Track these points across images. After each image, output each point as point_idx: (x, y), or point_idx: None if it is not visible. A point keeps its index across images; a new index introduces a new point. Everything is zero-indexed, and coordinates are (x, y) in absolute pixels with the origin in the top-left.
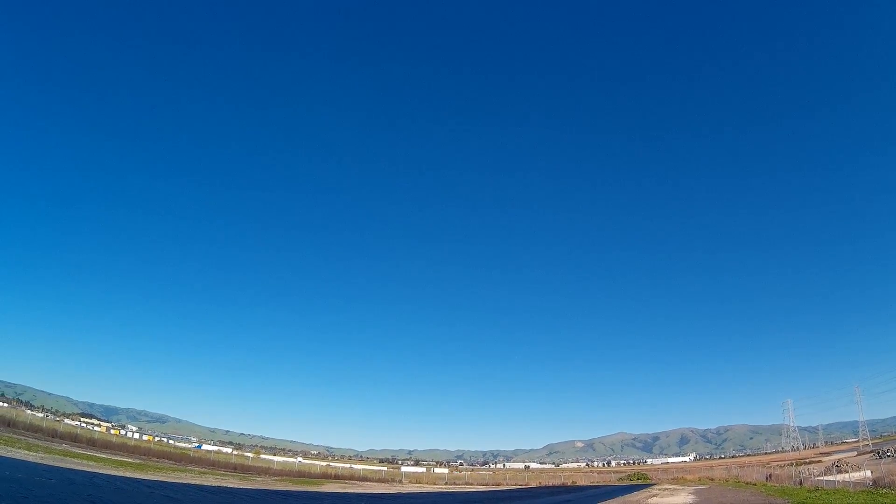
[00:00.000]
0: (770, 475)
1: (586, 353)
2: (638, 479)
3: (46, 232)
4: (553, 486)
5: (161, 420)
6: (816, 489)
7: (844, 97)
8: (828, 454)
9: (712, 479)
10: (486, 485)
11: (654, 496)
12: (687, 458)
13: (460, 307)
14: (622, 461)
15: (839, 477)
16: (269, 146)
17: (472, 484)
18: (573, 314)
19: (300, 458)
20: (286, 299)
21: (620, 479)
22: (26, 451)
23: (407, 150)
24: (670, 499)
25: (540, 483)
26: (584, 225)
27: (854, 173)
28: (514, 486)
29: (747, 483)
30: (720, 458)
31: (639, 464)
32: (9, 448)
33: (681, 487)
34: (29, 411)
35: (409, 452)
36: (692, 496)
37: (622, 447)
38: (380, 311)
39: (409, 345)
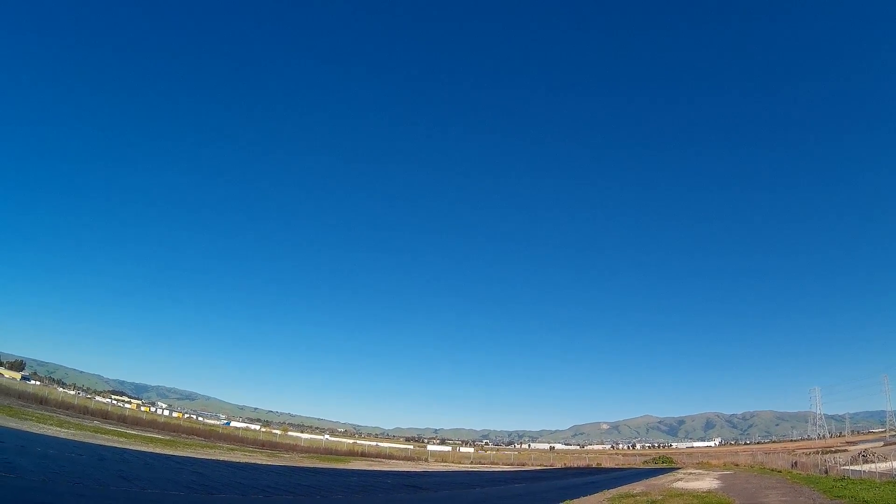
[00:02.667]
0: (795, 462)
1: (614, 335)
2: (663, 462)
3: (77, 218)
4: (578, 468)
5: (190, 397)
6: (843, 478)
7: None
8: (854, 443)
9: (737, 465)
10: (512, 464)
11: (679, 480)
12: (712, 443)
13: (489, 288)
14: (647, 444)
15: (865, 467)
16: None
17: (497, 463)
18: (602, 296)
19: (327, 436)
20: (315, 280)
21: (645, 462)
22: (58, 428)
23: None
24: (696, 483)
25: (565, 464)
26: (613, 206)
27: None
28: (539, 467)
29: (772, 470)
30: (745, 443)
31: (663, 447)
32: (41, 425)
33: (706, 472)
34: (61, 389)
35: (436, 431)
36: (717, 481)
37: (647, 430)
38: (409, 292)
39: (437, 325)
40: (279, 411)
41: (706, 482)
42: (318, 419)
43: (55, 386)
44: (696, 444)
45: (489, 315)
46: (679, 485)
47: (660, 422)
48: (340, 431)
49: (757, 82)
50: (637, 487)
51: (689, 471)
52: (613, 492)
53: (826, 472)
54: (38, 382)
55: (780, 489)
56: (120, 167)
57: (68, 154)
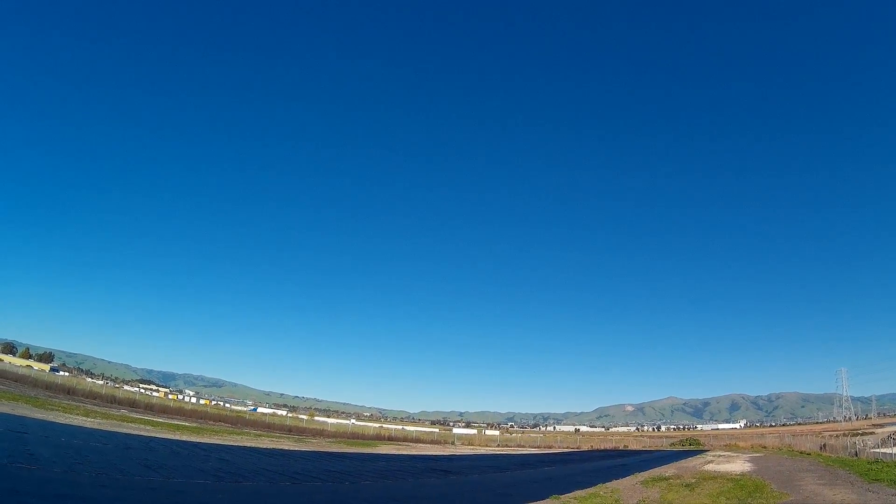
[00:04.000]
0: (824, 445)
1: (639, 316)
2: (690, 444)
3: (103, 213)
4: (605, 450)
5: (217, 385)
6: (877, 461)
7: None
8: (881, 426)
9: (765, 447)
10: (538, 447)
11: (709, 462)
12: (737, 425)
13: (514, 272)
14: (672, 426)
15: (895, 449)
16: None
17: (523, 446)
18: (627, 279)
19: (353, 420)
20: (340, 266)
21: (672, 444)
22: (84, 418)
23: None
24: (727, 466)
25: (591, 446)
26: (635, 194)
27: None
28: (565, 449)
29: (801, 452)
30: (770, 425)
31: (689, 429)
32: (67, 415)
33: (735, 455)
34: (89, 379)
35: (461, 414)
36: (749, 464)
37: (672, 412)
38: (434, 278)
39: (461, 309)
40: (305, 396)
41: (738, 465)
42: (344, 404)
43: (83, 376)
44: (721, 426)
45: (514, 298)
46: (710, 467)
47: (685, 403)
48: (367, 416)
49: (770, 78)
50: (668, 470)
51: (717, 453)
52: (645, 475)
53: (856, 454)
54: (66, 374)
55: (815, 472)
56: (142, 163)
57: (92, 151)
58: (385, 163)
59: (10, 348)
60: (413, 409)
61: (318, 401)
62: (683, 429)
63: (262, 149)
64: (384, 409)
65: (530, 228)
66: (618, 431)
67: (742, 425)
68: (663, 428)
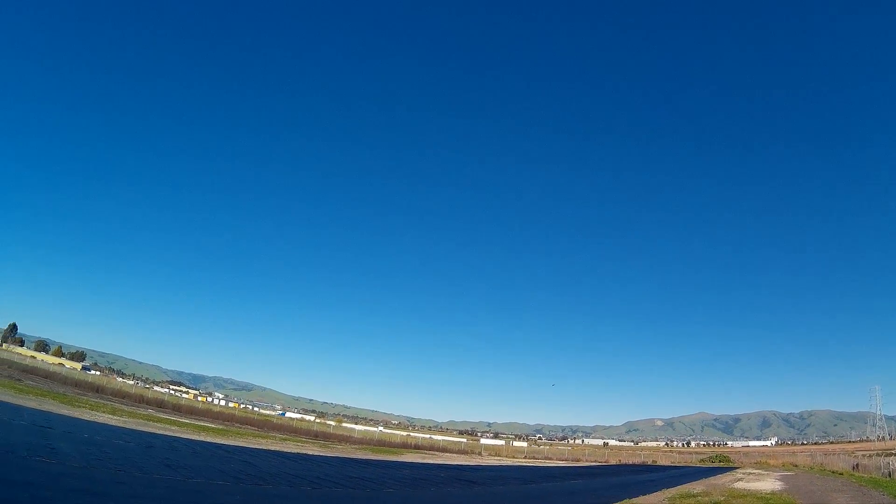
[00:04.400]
0: (857, 465)
1: (669, 330)
2: (719, 461)
3: (135, 215)
4: (634, 465)
5: (246, 388)
6: None
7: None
8: None
9: (796, 466)
10: (566, 460)
11: (739, 480)
12: (768, 442)
13: (544, 283)
14: (702, 442)
15: None
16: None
17: (551, 458)
18: (658, 290)
19: (381, 428)
20: (372, 273)
21: (702, 460)
22: (110, 415)
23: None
24: (757, 484)
25: (619, 461)
26: (665, 199)
27: None
28: (593, 463)
29: (833, 471)
30: (802, 443)
31: (719, 445)
32: (93, 412)
33: (766, 472)
34: (119, 378)
35: (489, 425)
36: (780, 482)
37: (702, 427)
38: (464, 286)
39: (492, 319)
40: (334, 402)
41: (768, 483)
42: (373, 411)
43: (114, 376)
44: (751, 442)
45: (544, 309)
46: (740, 485)
47: (715, 419)
48: (394, 423)
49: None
50: (697, 487)
51: (747, 470)
52: (673, 491)
53: (889, 475)
54: (97, 372)
55: (846, 492)
56: (175, 163)
57: (117, 150)
58: (428, 164)
59: (44, 346)
60: (441, 418)
61: (346, 407)
62: (713, 445)
63: (301, 148)
64: (412, 418)
65: (561, 239)
66: (647, 446)
67: (773, 442)
68: (693, 444)
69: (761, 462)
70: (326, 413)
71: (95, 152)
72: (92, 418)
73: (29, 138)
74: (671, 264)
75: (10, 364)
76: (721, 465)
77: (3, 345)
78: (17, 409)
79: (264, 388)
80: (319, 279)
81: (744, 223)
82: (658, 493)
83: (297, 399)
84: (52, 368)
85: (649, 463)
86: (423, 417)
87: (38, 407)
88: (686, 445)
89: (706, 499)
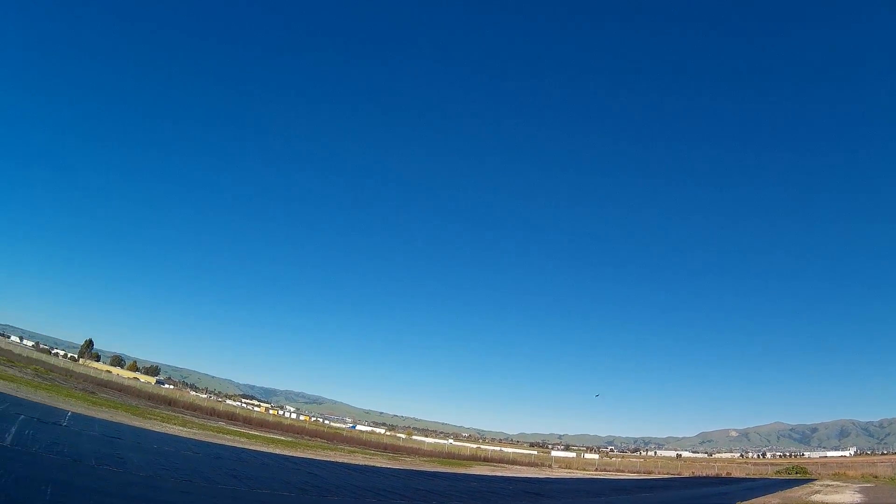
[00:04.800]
0: None
1: (743, 338)
2: (796, 473)
3: (209, 234)
4: (707, 477)
5: (317, 401)
6: None
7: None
8: None
9: (876, 477)
10: (637, 472)
11: (816, 493)
12: (846, 453)
13: (616, 293)
14: (778, 453)
15: None
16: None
17: (622, 471)
18: (731, 297)
19: (451, 440)
20: (442, 285)
21: (777, 472)
22: (180, 427)
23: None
24: (835, 496)
25: (693, 473)
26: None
27: None
28: (665, 475)
29: None
30: (882, 453)
31: (795, 456)
32: (164, 424)
33: (844, 484)
34: (193, 392)
35: (560, 437)
36: (859, 494)
37: (778, 438)
38: (537, 298)
39: (563, 330)
40: (405, 415)
41: (846, 495)
42: (443, 423)
43: (187, 389)
44: (829, 453)
45: (616, 319)
46: (817, 497)
47: (791, 429)
48: (464, 436)
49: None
50: (772, 500)
51: (825, 482)
52: None
53: None
54: (171, 386)
55: None
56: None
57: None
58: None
59: (119, 361)
60: (511, 430)
61: (416, 420)
62: (789, 456)
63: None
64: (482, 430)
65: (631, 246)
66: (721, 458)
67: (851, 453)
68: (768, 455)
69: (839, 473)
70: (397, 426)
71: (176, 171)
72: (162, 430)
73: (130, 180)
74: (751, 270)
75: (86, 378)
76: (797, 477)
77: (80, 360)
78: (90, 421)
79: (335, 402)
80: (393, 295)
81: (826, 229)
82: None
83: (367, 412)
84: (126, 382)
85: (723, 475)
86: (493, 430)
87: (110, 418)
88: (761, 457)
89: None
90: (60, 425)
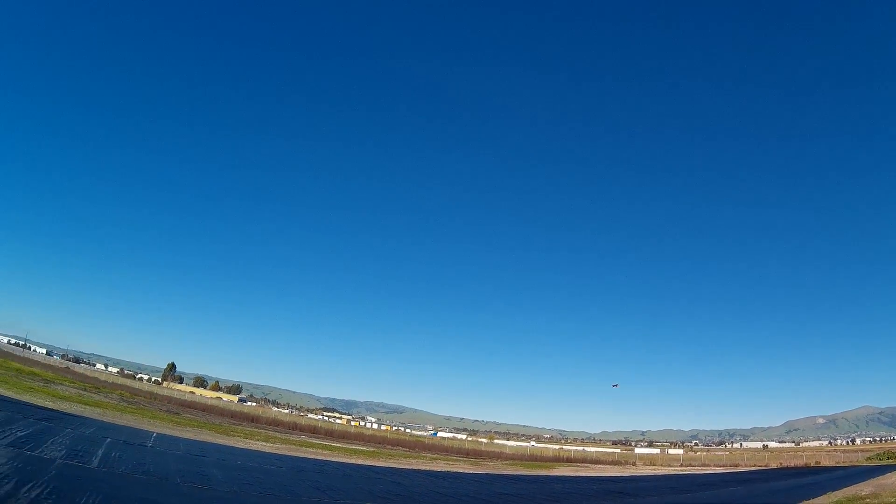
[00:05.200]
0: None
1: (826, 318)
2: (888, 458)
3: (287, 251)
4: (795, 467)
5: (398, 411)
6: None
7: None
8: None
9: None
10: (723, 466)
11: None
12: None
13: (699, 284)
14: (868, 439)
15: None
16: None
17: (707, 465)
18: (813, 279)
19: (533, 442)
20: (521, 288)
21: (868, 458)
22: (263, 443)
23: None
24: None
25: (780, 464)
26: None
27: None
28: (751, 468)
29: None
30: None
31: (887, 441)
32: (247, 440)
33: None
34: (275, 408)
35: (643, 433)
36: None
37: (867, 423)
38: (619, 294)
39: (641, 325)
40: (485, 420)
41: None
42: (524, 426)
43: (269, 406)
44: None
45: (697, 310)
46: None
47: (881, 413)
48: (546, 437)
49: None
50: (864, 489)
51: None
52: (839, 494)
53: None
54: (253, 404)
55: None
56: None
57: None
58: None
59: (202, 382)
60: (593, 429)
61: (497, 424)
62: (881, 441)
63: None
64: (564, 431)
65: (725, 240)
66: (808, 446)
67: None
68: (858, 441)
69: None
70: (478, 431)
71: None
72: (245, 446)
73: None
74: (831, 253)
75: (170, 400)
76: (890, 464)
77: (164, 383)
78: (174, 440)
79: (416, 410)
80: (465, 302)
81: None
82: (822, 497)
83: (448, 419)
84: (209, 402)
85: (812, 464)
86: (575, 430)
87: (194, 437)
88: (851, 443)
89: (875, 501)
90: (146, 446)
